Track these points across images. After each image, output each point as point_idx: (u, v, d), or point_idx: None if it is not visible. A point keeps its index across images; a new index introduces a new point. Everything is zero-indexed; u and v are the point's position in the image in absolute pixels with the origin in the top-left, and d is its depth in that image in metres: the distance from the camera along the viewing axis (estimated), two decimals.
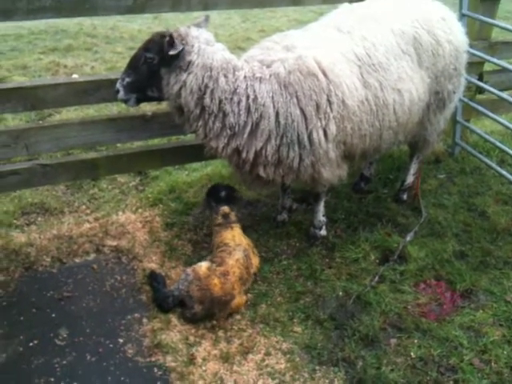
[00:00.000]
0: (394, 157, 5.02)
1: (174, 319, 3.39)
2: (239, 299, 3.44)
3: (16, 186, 3.95)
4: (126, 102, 3.48)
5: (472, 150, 5.03)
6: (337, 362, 3.17)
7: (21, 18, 3.37)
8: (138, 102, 3.49)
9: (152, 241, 4.09)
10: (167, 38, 3.17)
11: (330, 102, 3.30)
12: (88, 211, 4.46)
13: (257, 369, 3.12)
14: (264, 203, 4.52)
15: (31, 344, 3.24)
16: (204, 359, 3.15)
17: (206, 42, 3.30)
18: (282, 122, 3.30)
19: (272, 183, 3.65)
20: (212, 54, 3.26)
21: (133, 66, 3.38)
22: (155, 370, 3.10)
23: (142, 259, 3.90)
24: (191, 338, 3.28)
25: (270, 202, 4.50)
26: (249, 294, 3.60)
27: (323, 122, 3.32)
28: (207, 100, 3.26)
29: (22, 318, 3.41)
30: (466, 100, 4.82)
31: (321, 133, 3.34)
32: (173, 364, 3.12)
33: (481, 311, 3.48)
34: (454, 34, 3.75)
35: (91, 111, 5.92)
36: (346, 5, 3.76)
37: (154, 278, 3.59)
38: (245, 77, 3.28)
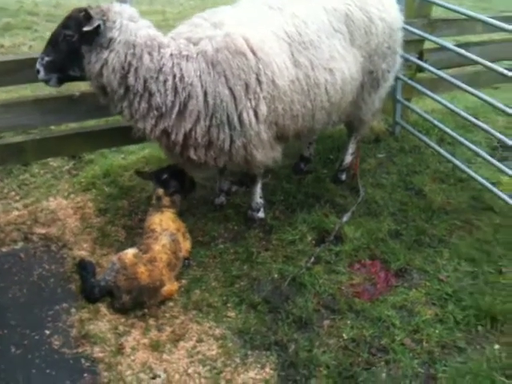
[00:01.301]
0: (334, 137, 4.99)
1: (103, 309, 3.29)
2: (170, 286, 3.35)
3: None
4: (47, 82, 3.30)
5: (412, 128, 5.04)
6: (269, 345, 3.13)
7: None
8: (60, 81, 3.31)
9: (83, 227, 3.94)
10: (82, 13, 3.02)
11: (259, 82, 3.22)
12: (17, 197, 4.26)
13: (188, 356, 3.06)
14: (202, 186, 4.41)
15: None
16: (133, 348, 3.07)
17: (129, 18, 3.15)
18: (211, 102, 3.20)
19: (205, 166, 3.56)
20: (135, 30, 3.12)
21: (52, 44, 3.20)
22: (82, 361, 3.00)
23: (73, 247, 3.76)
24: (120, 328, 3.19)
25: (208, 184, 4.40)
26: (183, 280, 3.53)
27: (253, 103, 3.24)
28: (131, 79, 3.12)
29: None
30: (405, 79, 4.81)
31: (251, 113, 3.26)
32: (100, 355, 3.03)
33: (414, 290, 3.50)
34: (387, 12, 3.70)
35: (27, 92, 5.67)
36: None
37: (82, 267, 3.46)
38: (171, 55, 3.15)
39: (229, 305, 3.38)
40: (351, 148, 4.45)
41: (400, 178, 4.61)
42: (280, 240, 3.89)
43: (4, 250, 3.75)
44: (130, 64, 3.10)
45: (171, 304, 3.36)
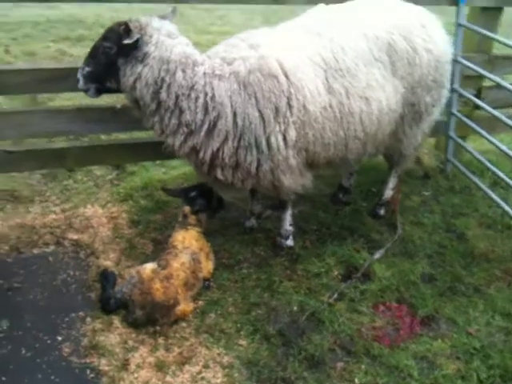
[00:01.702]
0: (378, 169, 4.80)
1: (116, 321, 3.28)
2: (185, 306, 3.30)
3: None
4: (85, 91, 3.37)
5: (464, 168, 4.79)
6: (276, 381, 3.00)
7: None
8: (98, 92, 3.37)
9: (114, 237, 3.98)
10: (123, 27, 3.06)
11: (290, 106, 3.15)
12: (57, 202, 4.39)
13: (191, 381, 2.97)
14: (237, 207, 4.38)
15: None
16: (138, 366, 3.02)
17: (166, 35, 3.17)
18: (240, 123, 3.17)
19: (233, 187, 3.52)
20: (171, 46, 3.14)
21: (92, 55, 3.27)
22: (88, 371, 2.99)
23: (99, 256, 3.80)
24: (130, 343, 3.16)
25: (243, 206, 4.36)
26: (199, 301, 3.47)
27: (282, 127, 3.17)
28: (163, 95, 3.13)
29: None
30: (459, 115, 4.60)
31: (280, 138, 3.19)
32: (106, 368, 3.01)
33: (439, 341, 3.26)
34: (434, 43, 3.54)
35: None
36: (321, 5, 3.59)
37: (104, 277, 3.48)
38: (204, 73, 3.15)
39: (242, 333, 3.28)
40: (392, 182, 4.28)
41: (443, 219, 4.37)
42: (305, 271, 3.76)
43: (35, 251, 3.84)
44: (163, 80, 3.12)
45: (184, 324, 3.31)
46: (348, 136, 3.39)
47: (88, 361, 3.05)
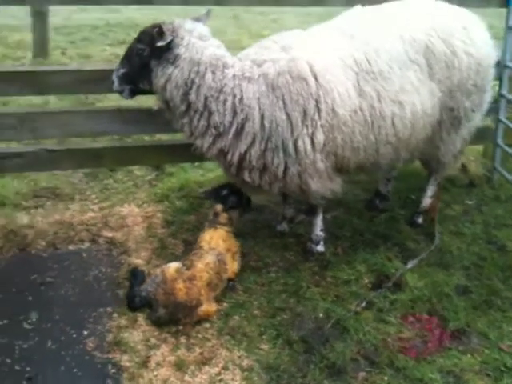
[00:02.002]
0: (420, 175, 4.63)
1: (140, 319, 3.31)
2: (207, 306, 3.30)
3: (20, 168, 4.06)
4: (120, 93, 3.44)
5: (511, 177, 4.56)
6: None
7: (21, 3, 3.42)
8: (132, 93, 3.44)
9: (147, 236, 4.05)
10: (156, 29, 3.10)
11: (318, 109, 3.11)
12: (96, 200, 4.51)
13: (209, 382, 2.96)
14: (270, 210, 4.35)
15: (0, 323, 3.28)
16: (158, 364, 3.04)
17: (198, 37, 3.20)
18: (267, 125, 3.15)
19: (261, 189, 3.49)
20: (202, 48, 3.16)
21: (127, 57, 3.34)
22: (109, 367, 3.03)
23: (131, 254, 3.86)
24: (152, 340, 3.18)
25: (276, 209, 4.32)
26: (224, 303, 3.46)
27: (310, 130, 3.13)
28: (193, 96, 3.16)
29: (0, 297, 3.48)
30: (507, 122, 4.39)
31: (307, 141, 3.15)
32: (127, 364, 3.04)
33: (468, 355, 3.10)
34: (475, 46, 3.39)
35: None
36: (357, 7, 3.52)
37: (133, 275, 3.53)
38: (234, 75, 3.15)
39: (264, 337, 3.24)
40: (430, 190, 4.13)
41: (484, 230, 4.18)
42: (334, 278, 3.68)
43: (70, 247, 3.96)
44: (192, 81, 3.14)
45: (207, 325, 3.30)
46: (379, 140, 3.30)
47: (110, 356, 3.09)
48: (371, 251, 3.90)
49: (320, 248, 3.87)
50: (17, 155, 3.94)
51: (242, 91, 3.13)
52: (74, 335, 3.23)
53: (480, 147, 5.19)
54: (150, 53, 3.21)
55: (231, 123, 3.19)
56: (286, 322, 3.34)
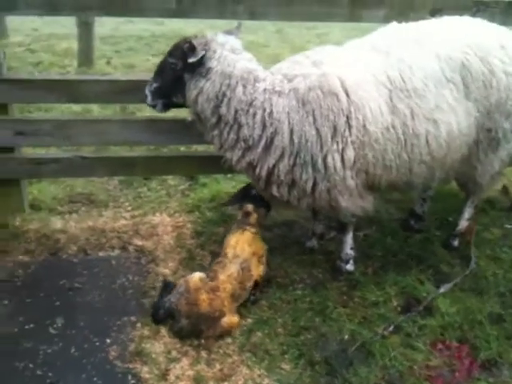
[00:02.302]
0: (457, 196, 4.47)
1: (163, 330, 3.30)
2: (231, 317, 3.27)
3: (55, 174, 4.13)
4: (153, 107, 3.44)
5: None
6: None
7: (67, 13, 3.50)
8: (166, 107, 3.43)
9: (175, 246, 4.05)
10: (187, 45, 3.10)
11: (349, 125, 3.04)
12: (129, 208, 4.55)
13: None
14: (300, 226, 4.29)
15: (27, 327, 3.31)
16: (177, 377, 3.02)
17: (230, 50, 3.18)
18: (296, 140, 3.10)
19: (289, 204, 3.44)
20: (234, 61, 3.14)
21: (160, 71, 3.34)
22: (129, 377, 3.03)
23: (159, 263, 3.87)
24: (173, 353, 3.16)
25: (307, 225, 4.25)
26: (248, 319, 3.41)
27: (340, 146, 3.07)
28: (223, 109, 3.14)
29: (28, 300, 3.52)
30: None
31: (337, 157, 3.09)
32: (147, 375, 3.03)
33: None
34: None
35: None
36: (393, 24, 3.44)
37: (164, 287, 3.50)
38: (264, 89, 3.12)
39: (286, 356, 3.17)
40: (467, 212, 3.97)
41: None
42: (362, 298, 3.58)
43: (101, 254, 3.99)
44: (224, 94, 3.12)
45: (229, 340, 3.26)
46: (412, 159, 3.21)
47: (131, 366, 3.09)
48: (403, 273, 3.77)
49: (349, 267, 3.78)
50: (53, 161, 4.02)
51: (271, 105, 3.10)
52: (97, 343, 3.24)
53: None
54: (182, 67, 3.19)
55: (260, 137, 3.16)
56: (309, 342, 3.27)
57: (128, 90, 3.78)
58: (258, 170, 3.26)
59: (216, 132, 3.24)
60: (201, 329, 3.23)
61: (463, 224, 4.01)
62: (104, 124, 3.97)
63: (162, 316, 3.33)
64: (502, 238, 4.22)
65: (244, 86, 3.12)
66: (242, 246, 3.49)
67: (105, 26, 10.00)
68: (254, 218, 3.61)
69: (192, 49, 3.10)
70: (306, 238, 4.06)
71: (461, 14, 3.63)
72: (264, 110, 3.11)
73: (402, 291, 3.63)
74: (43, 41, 9.28)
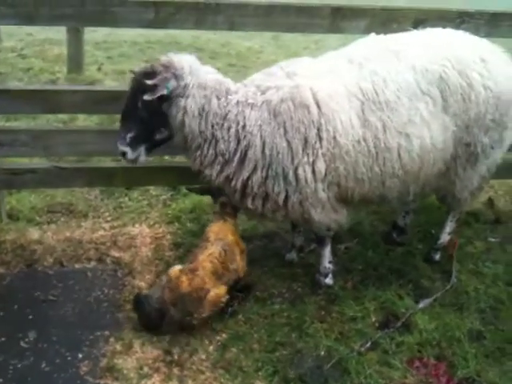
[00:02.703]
0: (442, 209, 4.41)
1: (136, 345, 3.25)
2: (216, 290, 3.27)
3: (32, 184, 4.07)
4: (135, 161, 3.22)
5: None
6: None
7: (43, 23, 3.46)
8: (149, 151, 3.24)
9: (153, 258, 3.99)
10: (146, 85, 2.94)
11: (319, 138, 3.01)
12: (109, 218, 4.48)
13: None
14: (281, 237, 4.23)
15: None
16: None
17: (194, 63, 3.13)
18: (268, 152, 3.07)
19: (264, 217, 3.40)
20: (205, 73, 3.11)
21: (129, 118, 3.12)
22: None
23: (136, 276, 3.81)
24: (145, 369, 3.10)
25: (287, 237, 4.19)
26: (223, 334, 3.35)
27: (311, 159, 3.03)
28: (202, 124, 3.08)
29: (1, 314, 3.46)
30: None
31: (308, 170, 3.05)
32: None
33: None
34: (494, 79, 3.19)
35: None
36: (372, 35, 3.40)
37: (137, 301, 3.42)
38: (237, 102, 3.08)
39: (260, 373, 3.11)
40: (449, 226, 3.91)
41: (506, 270, 3.92)
42: (340, 313, 3.52)
43: (77, 265, 3.93)
44: (203, 108, 3.06)
45: (202, 356, 3.20)
46: (384, 172, 3.17)
47: (102, 382, 3.03)
48: (382, 287, 3.72)
49: (328, 281, 3.72)
50: (30, 171, 3.97)
51: (244, 118, 3.05)
52: (69, 358, 3.19)
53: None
54: (157, 100, 3.02)
55: (236, 150, 3.11)
56: (284, 359, 3.21)
57: (104, 100, 3.72)
58: (233, 183, 3.21)
59: (199, 151, 3.16)
60: (189, 311, 3.22)
61: (445, 238, 3.95)
62: (82, 134, 3.92)
63: (156, 318, 3.26)
64: (486, 251, 4.16)
65: (218, 98, 3.07)
66: (225, 233, 3.48)
67: (98, 31, 9.94)
68: (230, 208, 3.57)
69: (153, 87, 2.96)
70: (286, 250, 4.01)
71: (444, 26, 3.60)
72: (237, 124, 3.06)
73: (381, 306, 3.57)
74: (36, 46, 9.21)
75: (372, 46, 3.27)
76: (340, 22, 3.76)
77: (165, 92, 2.98)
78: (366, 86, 3.08)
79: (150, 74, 3.01)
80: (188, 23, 3.62)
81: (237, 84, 3.20)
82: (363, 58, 3.18)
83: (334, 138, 3.01)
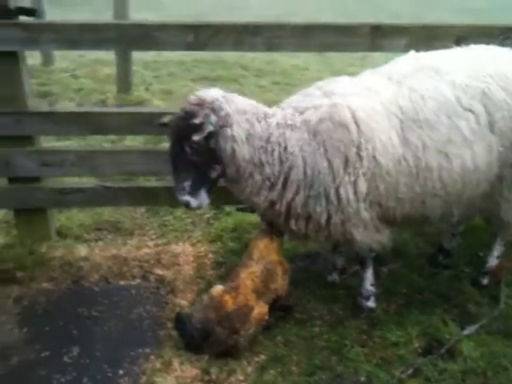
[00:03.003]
0: (490, 232, 4.27)
1: (175, 363, 3.26)
2: (260, 308, 3.30)
3: (80, 203, 4.21)
4: (200, 207, 3.15)
5: None
6: None
7: (86, 48, 3.59)
8: (210, 193, 3.14)
9: (195, 277, 4.03)
10: (193, 125, 2.91)
11: (359, 157, 2.97)
12: (153, 236, 4.57)
13: None
14: (323, 258, 4.19)
15: (42, 355, 3.36)
16: None
17: (223, 93, 3.10)
18: (309, 172, 3.04)
19: (307, 238, 3.38)
20: (238, 99, 3.10)
21: (182, 165, 3.05)
22: None
23: (177, 294, 3.85)
24: None
25: (330, 258, 4.15)
26: (262, 356, 3.34)
27: (352, 178, 3.00)
28: (251, 150, 3.03)
29: (47, 328, 3.57)
30: None
31: (350, 189, 3.02)
32: None
33: None
34: None
35: None
36: (411, 52, 3.37)
37: (178, 319, 3.43)
38: (277, 124, 3.07)
39: None
40: (497, 250, 3.77)
41: None
42: (382, 338, 3.44)
43: (121, 282, 4.01)
44: (249, 133, 3.02)
45: (240, 377, 3.19)
46: (425, 192, 3.10)
47: None
48: (427, 312, 3.61)
49: (370, 304, 3.65)
50: (78, 190, 4.11)
51: (285, 139, 3.04)
52: (110, 374, 3.25)
53: None
54: (204, 140, 2.96)
55: (279, 173, 3.09)
56: (323, 383, 3.16)
57: (148, 122, 3.80)
58: (277, 206, 3.18)
59: (250, 179, 3.10)
60: (236, 328, 3.23)
61: (493, 262, 3.82)
62: (126, 154, 4.03)
63: (199, 338, 3.28)
64: None
65: (259, 121, 3.07)
66: (270, 252, 3.47)
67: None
68: (277, 227, 3.51)
69: (199, 125, 2.91)
70: (328, 271, 3.97)
71: (488, 43, 3.52)
72: (279, 145, 3.05)
73: (425, 332, 3.47)
74: (87, 66, 9.55)
75: (411, 64, 3.23)
76: (380, 40, 3.74)
77: (211, 128, 2.93)
78: (405, 103, 3.03)
79: (189, 116, 2.96)
80: (226, 45, 3.67)
81: (272, 107, 3.21)
82: (402, 75, 3.14)
83: (374, 157, 2.97)
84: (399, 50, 3.68)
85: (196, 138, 2.88)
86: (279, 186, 3.12)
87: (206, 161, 3.03)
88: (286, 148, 3.05)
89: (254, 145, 3.04)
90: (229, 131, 2.98)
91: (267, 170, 3.08)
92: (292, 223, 3.26)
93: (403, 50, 3.60)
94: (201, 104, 2.97)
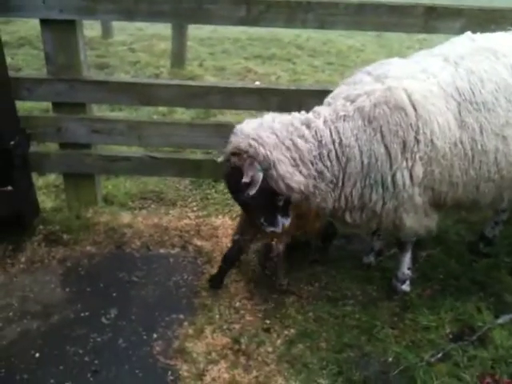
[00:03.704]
0: None
1: (207, 330, 3.38)
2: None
3: (126, 171, 4.35)
4: (285, 226, 3.19)
5: None
6: None
7: (141, 20, 3.67)
8: (286, 215, 3.16)
9: None
10: (245, 180, 2.85)
11: (417, 141, 2.89)
12: (195, 208, 4.68)
13: None
14: (359, 239, 4.18)
15: (82, 314, 3.52)
16: (213, 379, 3.07)
17: (253, 129, 2.96)
18: (366, 161, 2.94)
19: (357, 227, 3.39)
20: (269, 129, 2.95)
21: (251, 208, 3.13)
22: (169, 373, 3.13)
23: (214, 265, 3.93)
24: (213, 354, 3.22)
25: (366, 239, 4.13)
26: (292, 330, 3.40)
27: (409, 163, 2.92)
28: (304, 171, 2.94)
29: (88, 289, 3.74)
30: None
31: (406, 174, 2.94)
32: (185, 374, 3.11)
33: None
34: None
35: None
36: (467, 34, 3.27)
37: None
38: (324, 121, 2.96)
39: (325, 371, 3.12)
40: None
41: None
42: (413, 321, 3.43)
43: (161, 250, 4.14)
44: (293, 158, 2.92)
45: (269, 349, 3.27)
46: (480, 176, 3.03)
47: (172, 363, 3.19)
48: (462, 299, 3.57)
49: (405, 287, 3.63)
50: (125, 159, 4.24)
51: (338, 133, 2.94)
52: (145, 337, 3.38)
53: None
54: (263, 180, 2.89)
55: (339, 171, 3.00)
56: (351, 360, 3.19)
57: (196, 95, 3.89)
58: (337, 204, 3.12)
59: (317, 192, 3.03)
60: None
61: None
62: (174, 127, 4.12)
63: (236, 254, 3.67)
64: None
65: (301, 136, 2.94)
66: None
67: (204, 28, 10.30)
68: None
69: (250, 169, 2.85)
70: (364, 252, 3.96)
71: None
72: (334, 143, 2.94)
73: (458, 318, 3.43)
74: (144, 41, 9.75)
75: (468, 45, 3.14)
76: (434, 21, 3.64)
77: (261, 175, 2.87)
78: (462, 85, 2.95)
79: (236, 172, 2.92)
80: (278, 21, 3.66)
81: (314, 108, 3.10)
82: (459, 56, 3.05)
83: (431, 140, 2.89)
84: (453, 33, 3.58)
85: (251, 192, 2.86)
86: (340, 183, 3.03)
87: (269, 197, 3.02)
88: (341, 142, 2.94)
89: (305, 162, 2.95)
90: (274, 173, 2.89)
91: (327, 174, 2.99)
92: (347, 215, 3.18)
93: (458, 33, 3.49)
94: (238, 154, 2.90)
